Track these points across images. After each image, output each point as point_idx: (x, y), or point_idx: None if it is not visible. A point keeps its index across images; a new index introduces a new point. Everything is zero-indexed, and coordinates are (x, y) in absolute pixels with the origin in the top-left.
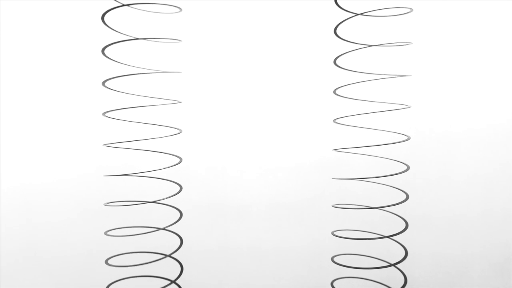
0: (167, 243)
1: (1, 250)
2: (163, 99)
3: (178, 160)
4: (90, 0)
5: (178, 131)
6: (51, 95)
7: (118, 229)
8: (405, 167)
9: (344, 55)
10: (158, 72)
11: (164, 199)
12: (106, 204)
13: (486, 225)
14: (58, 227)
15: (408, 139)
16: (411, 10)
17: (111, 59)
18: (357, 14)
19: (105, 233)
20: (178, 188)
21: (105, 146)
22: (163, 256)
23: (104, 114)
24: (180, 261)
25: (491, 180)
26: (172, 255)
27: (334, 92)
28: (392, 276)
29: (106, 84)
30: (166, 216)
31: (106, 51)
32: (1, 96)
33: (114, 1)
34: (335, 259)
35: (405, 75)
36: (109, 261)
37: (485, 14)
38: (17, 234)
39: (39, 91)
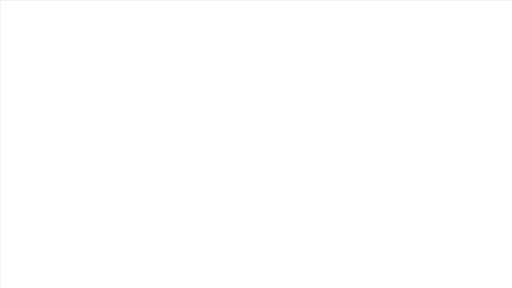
0: None
1: (1, 249)
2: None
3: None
4: (90, 0)
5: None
6: (51, 92)
7: None
8: None
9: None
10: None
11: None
12: None
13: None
14: None
15: None
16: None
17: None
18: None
19: None
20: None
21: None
22: None
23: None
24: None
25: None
26: None
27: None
28: None
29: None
30: None
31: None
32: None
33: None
34: None
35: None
36: None
37: (485, 13)
38: (17, 233)
39: (39, 89)
